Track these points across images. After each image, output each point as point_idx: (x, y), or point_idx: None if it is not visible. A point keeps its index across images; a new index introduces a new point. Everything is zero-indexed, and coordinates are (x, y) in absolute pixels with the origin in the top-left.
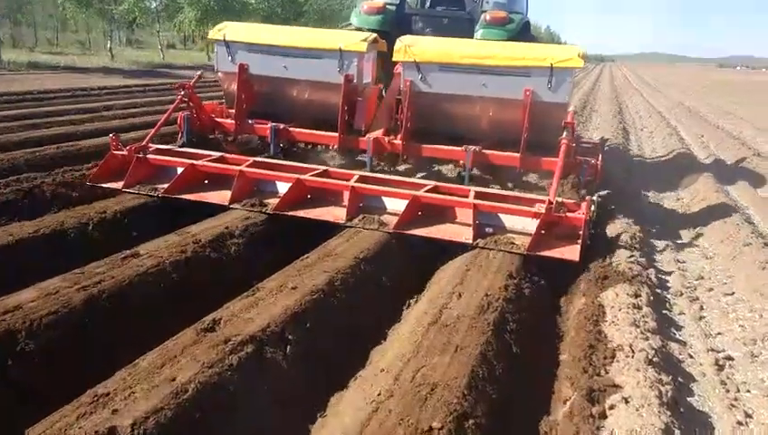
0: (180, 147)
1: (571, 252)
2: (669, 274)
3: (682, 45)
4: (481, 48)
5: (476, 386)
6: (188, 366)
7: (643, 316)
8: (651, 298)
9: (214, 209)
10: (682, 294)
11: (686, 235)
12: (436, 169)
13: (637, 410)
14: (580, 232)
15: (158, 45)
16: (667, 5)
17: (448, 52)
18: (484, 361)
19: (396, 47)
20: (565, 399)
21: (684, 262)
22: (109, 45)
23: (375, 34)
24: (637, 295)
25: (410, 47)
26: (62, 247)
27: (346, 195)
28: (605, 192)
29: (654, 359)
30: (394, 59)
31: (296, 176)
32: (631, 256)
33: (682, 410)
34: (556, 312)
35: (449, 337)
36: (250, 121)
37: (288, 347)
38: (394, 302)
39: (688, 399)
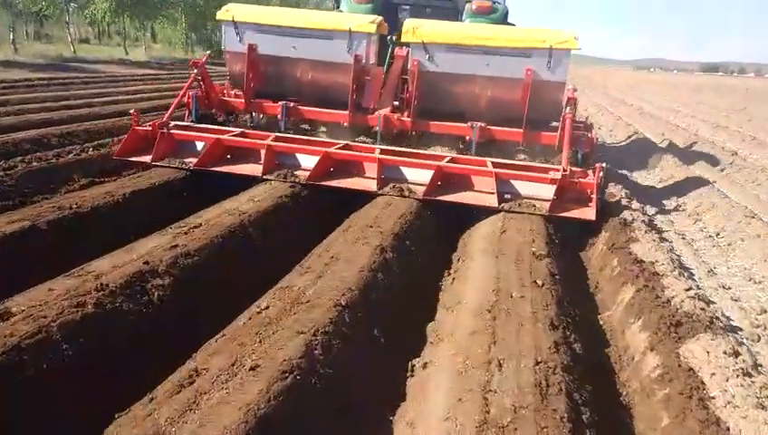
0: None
1: (588, 213)
2: (723, 305)
3: (588, 45)
4: (484, 30)
5: None
6: None
7: (763, 388)
8: (753, 357)
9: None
10: (759, 339)
11: (717, 253)
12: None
13: None
14: (593, 195)
15: (68, 39)
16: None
17: (454, 33)
18: None
19: (404, 29)
20: None
21: (729, 288)
22: (12, 38)
23: (381, 17)
24: (736, 354)
25: (418, 29)
26: None
27: (371, 166)
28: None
29: None
30: (402, 39)
31: (323, 149)
32: (689, 288)
33: None
34: (612, 373)
35: None
36: (258, 100)
37: None
38: (393, 367)
39: None
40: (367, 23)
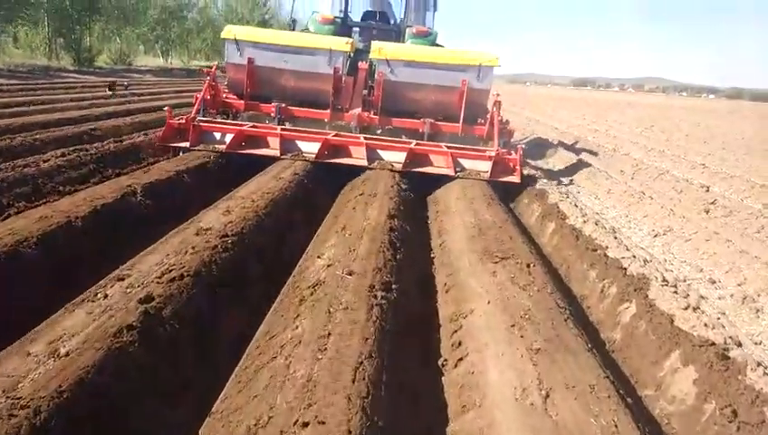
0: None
1: (514, 178)
2: None
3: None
4: (433, 51)
5: None
6: None
7: None
8: None
9: None
10: None
11: None
12: None
13: None
14: (518, 166)
15: None
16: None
17: (411, 53)
18: None
19: (372, 48)
20: None
21: None
22: None
23: (352, 39)
24: None
25: (383, 49)
26: None
27: (361, 150)
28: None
29: None
30: (371, 57)
31: (323, 137)
32: None
33: None
34: None
35: None
36: (254, 102)
37: None
38: None
39: None
40: (343, 43)
